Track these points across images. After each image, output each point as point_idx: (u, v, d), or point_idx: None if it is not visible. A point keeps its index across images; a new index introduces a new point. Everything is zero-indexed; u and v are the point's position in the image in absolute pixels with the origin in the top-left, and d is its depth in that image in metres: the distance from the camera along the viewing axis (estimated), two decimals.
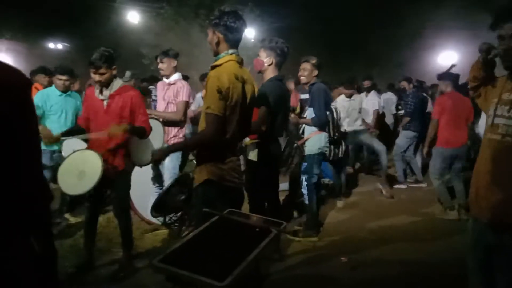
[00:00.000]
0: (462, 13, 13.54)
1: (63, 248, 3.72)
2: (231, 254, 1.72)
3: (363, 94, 7.12)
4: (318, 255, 3.82)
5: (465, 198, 4.74)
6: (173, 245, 1.81)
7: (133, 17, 15.50)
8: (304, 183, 4.22)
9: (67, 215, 4.54)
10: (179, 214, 3.78)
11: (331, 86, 6.28)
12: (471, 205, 2.05)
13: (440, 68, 8.32)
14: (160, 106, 4.30)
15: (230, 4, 12.26)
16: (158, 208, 3.69)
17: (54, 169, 3.62)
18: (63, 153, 3.60)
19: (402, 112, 7.25)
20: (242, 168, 3.31)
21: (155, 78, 7.02)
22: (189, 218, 3.82)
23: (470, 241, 2.06)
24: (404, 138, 6.35)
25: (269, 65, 3.45)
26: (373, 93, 7.41)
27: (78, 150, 3.15)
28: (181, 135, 4.27)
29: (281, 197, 4.25)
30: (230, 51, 2.45)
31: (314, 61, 4.13)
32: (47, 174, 4.12)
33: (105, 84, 3.19)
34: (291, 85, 6.55)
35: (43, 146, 3.48)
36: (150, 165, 3.88)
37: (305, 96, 4.64)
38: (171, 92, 4.19)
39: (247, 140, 3.29)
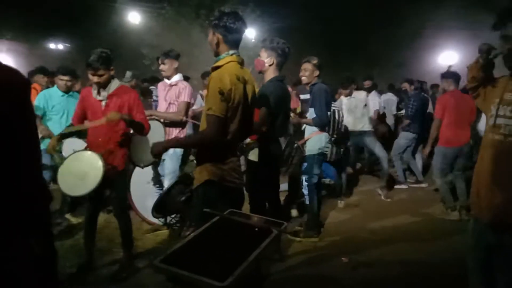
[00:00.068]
0: (462, 13, 13.55)
1: (63, 248, 3.71)
2: (232, 255, 1.72)
3: (364, 92, 7.11)
4: (318, 255, 3.82)
5: (466, 198, 4.72)
6: (174, 245, 1.81)
7: (133, 17, 15.51)
8: (305, 183, 4.22)
9: (68, 216, 4.53)
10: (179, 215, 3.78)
11: (333, 89, 6.25)
12: (472, 205, 2.05)
13: (440, 68, 8.33)
14: (162, 106, 4.29)
15: (231, 4, 12.30)
16: (159, 208, 3.70)
17: (54, 169, 3.61)
18: (63, 153, 3.60)
19: (402, 112, 7.24)
20: (243, 168, 3.31)
21: (156, 79, 7.03)
22: (188, 218, 3.82)
23: (471, 241, 2.06)
24: (403, 139, 6.34)
25: (270, 65, 3.44)
26: (373, 93, 7.41)
27: (78, 151, 3.14)
28: (182, 136, 4.27)
29: (281, 197, 4.24)
30: (231, 51, 2.44)
31: (315, 62, 4.13)
32: (47, 174, 4.12)
33: (103, 85, 3.19)
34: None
35: (43, 146, 3.48)
36: (151, 165, 3.89)
37: (306, 96, 4.64)
38: (173, 93, 4.20)
39: (247, 140, 3.29)
